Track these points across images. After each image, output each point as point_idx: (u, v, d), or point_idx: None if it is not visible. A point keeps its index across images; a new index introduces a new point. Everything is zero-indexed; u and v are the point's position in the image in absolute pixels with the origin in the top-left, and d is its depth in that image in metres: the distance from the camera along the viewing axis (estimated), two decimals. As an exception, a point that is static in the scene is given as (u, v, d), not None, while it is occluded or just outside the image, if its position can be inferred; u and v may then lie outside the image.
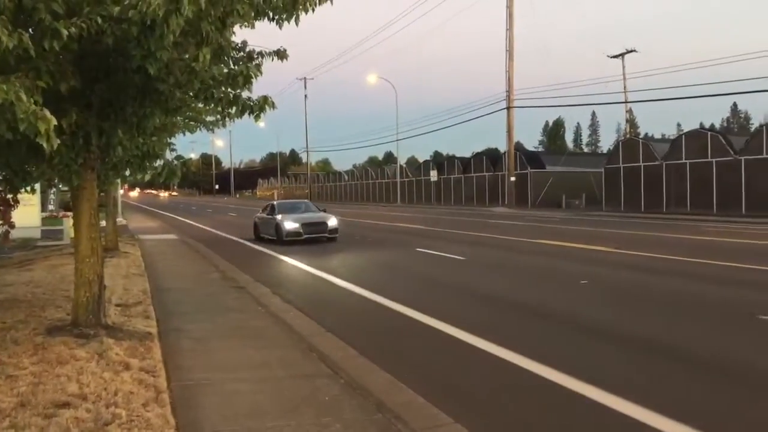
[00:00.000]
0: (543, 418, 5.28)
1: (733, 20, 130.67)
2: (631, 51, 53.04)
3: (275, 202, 24.77)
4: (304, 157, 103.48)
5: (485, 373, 6.57)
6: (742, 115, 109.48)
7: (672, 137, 52.86)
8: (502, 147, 53.23)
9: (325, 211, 23.63)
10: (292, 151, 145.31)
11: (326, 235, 21.80)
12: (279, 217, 22.18)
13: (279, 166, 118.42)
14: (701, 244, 18.50)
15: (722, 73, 62.26)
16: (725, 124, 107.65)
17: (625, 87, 51.97)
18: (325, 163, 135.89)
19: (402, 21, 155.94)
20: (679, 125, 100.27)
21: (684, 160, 36.63)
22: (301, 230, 21.45)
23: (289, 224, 21.57)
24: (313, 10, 6.40)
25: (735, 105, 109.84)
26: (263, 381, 5.97)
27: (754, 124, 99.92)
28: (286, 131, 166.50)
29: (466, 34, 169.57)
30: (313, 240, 21.45)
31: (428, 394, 5.59)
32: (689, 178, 36.25)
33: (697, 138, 37.38)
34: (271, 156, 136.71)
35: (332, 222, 22.16)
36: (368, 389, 5.68)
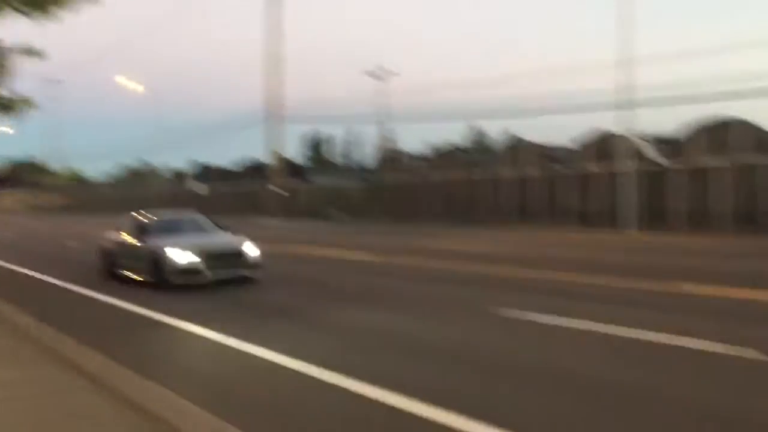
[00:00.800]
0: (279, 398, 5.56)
1: (494, 48, 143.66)
2: (388, 71, 56.38)
3: (146, 219, 15.10)
4: (51, 164, 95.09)
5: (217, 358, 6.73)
6: (488, 136, 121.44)
7: (428, 155, 56.98)
8: (269, 159, 53.55)
9: (229, 231, 14.88)
10: (38, 158, 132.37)
11: (244, 272, 13.35)
12: (157, 243, 13.38)
13: (22, 174, 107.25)
14: (449, 252, 20.32)
15: (473, 96, 68.67)
16: (473, 144, 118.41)
17: (383, 106, 55.13)
18: (76, 172, 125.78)
19: (168, 24, 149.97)
20: (433, 144, 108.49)
21: (436, 177, 39.85)
22: (203, 266, 12.89)
23: (181, 255, 12.89)
24: (76, 10, 6.14)
25: (477, 126, 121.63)
26: (13, 399, 5.57)
27: (497, 144, 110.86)
28: (34, 135, 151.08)
29: (235, 43, 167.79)
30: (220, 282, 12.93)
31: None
32: (441, 192, 39.51)
33: (448, 157, 40.97)
34: (12, 162, 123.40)
35: (251, 250, 13.63)
36: (133, 399, 5.55)
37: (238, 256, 13.40)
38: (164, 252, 12.97)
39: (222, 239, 14.21)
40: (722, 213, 27.51)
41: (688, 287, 11.72)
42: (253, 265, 13.45)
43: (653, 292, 11.65)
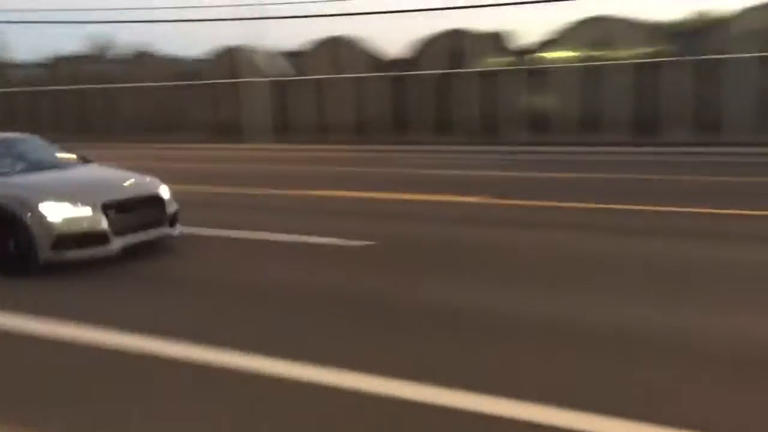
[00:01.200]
0: None
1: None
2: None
3: None
4: None
5: None
6: (115, 45, 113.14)
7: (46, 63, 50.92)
8: None
9: (96, 163, 9.02)
10: None
11: (166, 230, 7.81)
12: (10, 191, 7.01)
13: None
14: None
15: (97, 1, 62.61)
16: (99, 53, 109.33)
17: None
18: None
19: None
20: (52, 52, 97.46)
21: (55, 88, 36.42)
22: (107, 226, 6.98)
23: (63, 211, 6.84)
24: None
25: (103, 35, 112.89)
26: None
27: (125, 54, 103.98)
28: None
29: None
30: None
31: None
32: (63, 104, 36.32)
33: (67, 66, 37.55)
34: None
35: (166, 194, 7.98)
36: None
37: (158, 205, 7.79)
38: (29, 206, 6.81)
39: (123, 180, 8.13)
40: (342, 123, 30.27)
41: (306, 192, 13.04)
42: (173, 217, 8.03)
43: (280, 196, 12.71)
